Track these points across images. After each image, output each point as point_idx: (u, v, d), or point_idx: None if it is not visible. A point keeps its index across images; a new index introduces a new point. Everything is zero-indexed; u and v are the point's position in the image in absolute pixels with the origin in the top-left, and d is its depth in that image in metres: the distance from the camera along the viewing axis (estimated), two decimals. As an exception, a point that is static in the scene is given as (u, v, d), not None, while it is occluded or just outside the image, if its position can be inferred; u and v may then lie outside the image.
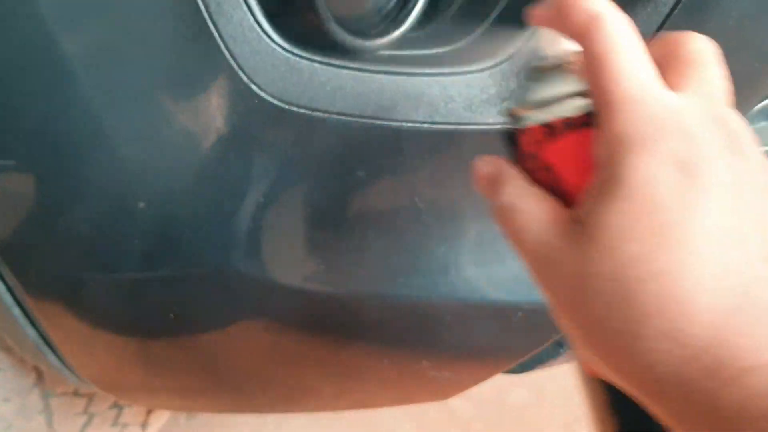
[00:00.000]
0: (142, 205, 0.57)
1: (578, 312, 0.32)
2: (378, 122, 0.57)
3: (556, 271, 0.33)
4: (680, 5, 0.60)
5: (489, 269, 0.67)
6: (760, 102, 0.75)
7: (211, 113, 0.55)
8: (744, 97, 0.71)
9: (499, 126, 0.59)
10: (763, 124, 0.90)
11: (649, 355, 0.29)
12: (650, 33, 0.60)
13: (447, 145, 0.60)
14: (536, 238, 0.34)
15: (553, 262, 0.33)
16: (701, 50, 0.36)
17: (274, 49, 0.54)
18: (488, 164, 0.43)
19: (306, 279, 0.63)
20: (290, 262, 0.63)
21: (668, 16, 0.61)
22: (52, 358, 0.74)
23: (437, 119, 0.59)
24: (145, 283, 0.62)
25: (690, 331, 0.28)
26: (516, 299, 0.68)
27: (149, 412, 1.20)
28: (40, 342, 0.73)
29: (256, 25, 0.53)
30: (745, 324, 0.28)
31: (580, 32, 0.35)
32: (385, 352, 0.71)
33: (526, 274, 0.68)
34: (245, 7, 0.52)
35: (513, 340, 0.73)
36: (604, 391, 0.44)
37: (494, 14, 0.60)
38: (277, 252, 0.62)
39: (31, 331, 0.71)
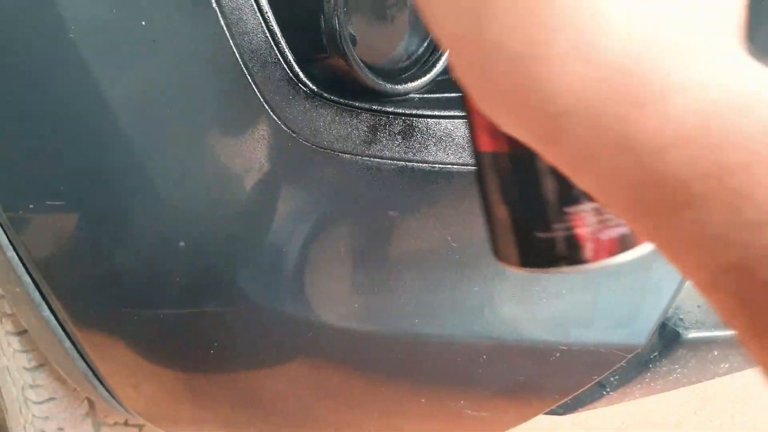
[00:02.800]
0: (182, 244, 0.59)
1: (474, 45, 0.27)
2: (408, 164, 0.58)
3: (449, 1, 0.28)
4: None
5: (525, 308, 0.66)
6: None
7: (248, 156, 0.57)
8: None
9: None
10: None
11: (554, 82, 0.25)
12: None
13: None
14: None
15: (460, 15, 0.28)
16: None
17: (306, 94, 0.55)
18: None
19: (342, 317, 0.64)
20: (326, 301, 0.64)
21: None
22: (101, 389, 0.77)
23: (467, 161, 0.59)
24: (186, 318, 0.64)
25: (603, 46, 0.24)
26: (552, 339, 0.67)
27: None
28: (90, 374, 0.75)
29: (289, 72, 0.55)
30: (663, 44, 0.24)
31: None
32: (422, 391, 0.71)
33: (563, 315, 0.67)
34: (279, 56, 0.54)
35: (550, 380, 0.72)
36: (496, 172, 0.38)
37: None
38: (313, 290, 0.63)
39: (80, 364, 0.74)
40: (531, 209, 0.37)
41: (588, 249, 0.36)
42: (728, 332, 0.75)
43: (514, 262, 0.39)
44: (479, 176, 0.40)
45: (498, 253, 0.41)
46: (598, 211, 0.35)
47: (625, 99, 0.24)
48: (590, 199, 0.34)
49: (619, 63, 0.24)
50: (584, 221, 0.36)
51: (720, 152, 0.22)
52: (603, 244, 0.36)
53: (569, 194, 0.35)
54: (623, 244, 0.35)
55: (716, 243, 0.23)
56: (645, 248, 0.36)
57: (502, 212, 0.39)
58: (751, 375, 1.52)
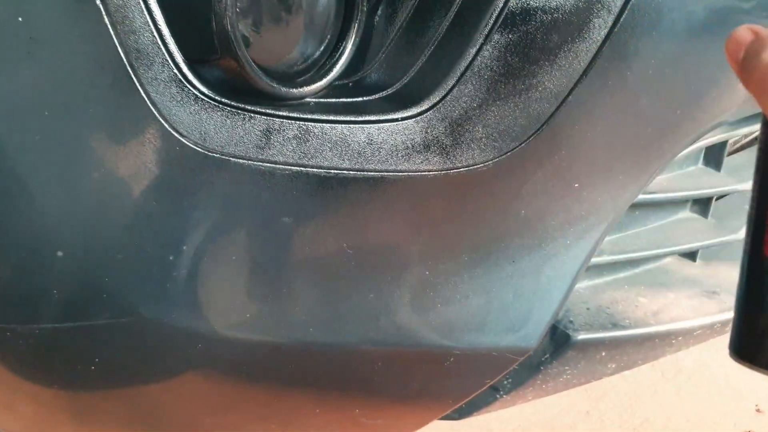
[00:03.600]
0: (60, 253, 0.56)
1: None
2: (303, 169, 0.57)
3: None
4: (601, 55, 0.62)
5: (419, 314, 0.67)
6: (686, 148, 0.77)
7: (134, 161, 0.54)
8: (668, 143, 0.73)
9: (424, 173, 0.60)
10: (690, 168, 0.93)
11: None
12: (574, 79, 0.62)
13: (374, 192, 0.60)
14: None
15: None
16: None
17: (196, 96, 0.53)
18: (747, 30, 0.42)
19: (233, 327, 0.62)
20: (217, 310, 0.62)
21: (590, 64, 0.62)
22: (-31, 412, 0.72)
23: (363, 166, 0.59)
24: (64, 333, 0.60)
25: None
26: (447, 344, 0.68)
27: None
28: (-42, 395, 0.70)
29: (177, 73, 0.53)
30: None
31: None
32: (317, 401, 0.70)
33: (457, 320, 0.68)
34: (167, 56, 0.52)
35: (445, 385, 0.72)
36: None
37: (419, 64, 0.61)
38: (203, 300, 0.61)
39: (-52, 384, 0.69)
40: None
41: None
42: (615, 333, 0.78)
43: (761, 363, 0.40)
44: (751, 277, 0.41)
45: (741, 351, 0.41)
46: None
47: None
48: None
49: None
50: None
51: None
52: None
53: None
54: None
55: None
56: None
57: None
58: (638, 372, 1.60)
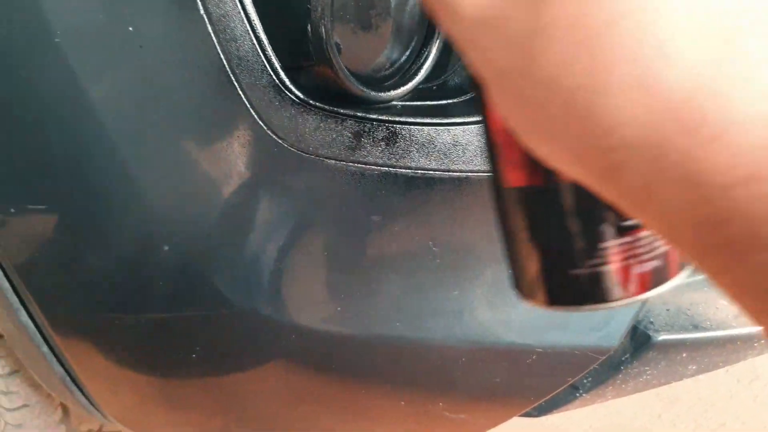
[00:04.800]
0: (166, 248, 0.60)
1: (526, 80, 0.27)
2: (392, 169, 0.60)
3: (499, 35, 0.28)
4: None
5: (502, 312, 0.68)
6: None
7: (233, 160, 0.58)
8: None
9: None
10: None
11: (614, 115, 0.24)
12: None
13: (459, 192, 0.62)
14: (479, 2, 0.28)
15: (496, 25, 0.28)
16: None
17: (292, 101, 0.56)
18: None
19: (324, 321, 0.65)
20: (308, 304, 0.65)
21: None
22: (78, 395, 0.77)
23: (449, 167, 0.61)
24: (169, 323, 0.64)
25: (668, 77, 0.23)
26: (529, 342, 0.69)
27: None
28: (67, 379, 0.75)
29: (275, 79, 0.56)
30: (730, 75, 0.23)
31: None
32: (401, 394, 0.72)
33: (540, 319, 0.69)
34: (265, 63, 0.55)
35: (527, 382, 0.73)
36: (526, 208, 0.36)
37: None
38: (296, 294, 0.64)
39: (58, 369, 0.74)
40: (563, 246, 0.36)
41: (620, 285, 0.35)
42: (696, 335, 0.78)
43: (540, 300, 0.38)
44: (503, 213, 0.38)
45: (522, 291, 0.39)
46: (632, 246, 0.33)
47: (692, 133, 0.23)
48: (625, 233, 0.33)
49: (685, 95, 0.23)
50: (618, 257, 0.34)
51: None
52: (636, 279, 0.35)
53: (604, 229, 0.33)
54: (655, 278, 0.34)
55: None
56: (675, 281, 0.35)
57: (529, 250, 0.37)
58: (713, 377, 1.56)
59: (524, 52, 0.26)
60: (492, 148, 0.36)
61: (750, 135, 0.22)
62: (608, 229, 0.33)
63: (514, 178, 0.36)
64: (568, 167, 0.28)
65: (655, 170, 0.24)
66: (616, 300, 0.34)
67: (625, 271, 0.34)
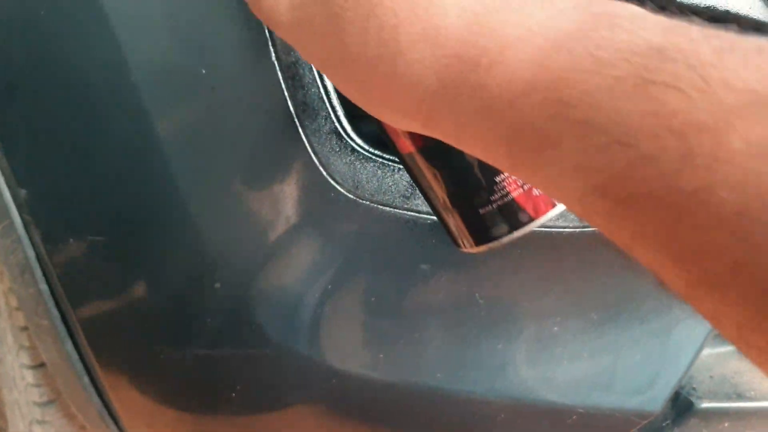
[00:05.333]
0: (218, 285, 0.60)
1: (340, 62, 0.31)
2: (445, 220, 0.60)
3: (311, 32, 0.32)
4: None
5: (545, 370, 0.67)
6: None
7: (290, 203, 0.59)
8: None
9: (560, 229, 0.62)
10: None
11: (412, 69, 0.28)
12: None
13: (509, 245, 0.62)
14: (288, 8, 0.33)
15: (306, 25, 0.32)
16: None
17: (353, 148, 0.58)
18: None
19: (365, 366, 0.65)
20: (351, 349, 0.65)
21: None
22: (113, 428, 0.77)
23: (501, 220, 0.61)
24: (212, 360, 0.65)
25: (444, 28, 0.27)
26: (571, 402, 0.68)
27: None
28: (104, 412, 0.75)
29: (338, 126, 0.57)
30: (498, 11, 0.27)
31: None
32: (437, 447, 0.72)
33: (583, 378, 0.68)
34: (329, 109, 0.57)
35: (567, 443, 0.72)
36: (423, 168, 0.42)
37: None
38: (339, 338, 0.64)
39: (96, 400, 0.74)
40: (466, 190, 0.40)
41: (529, 208, 0.39)
42: (740, 404, 0.76)
43: (471, 244, 0.42)
44: (414, 180, 0.43)
45: (457, 243, 0.44)
46: None
47: (476, 67, 0.27)
48: None
49: (464, 37, 0.27)
50: (516, 184, 0.39)
51: (560, 91, 0.24)
52: (539, 199, 0.39)
53: (489, 167, 0.37)
54: None
55: (578, 173, 0.24)
56: None
57: (442, 203, 0.42)
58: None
59: (332, 41, 0.31)
60: (380, 124, 0.42)
61: (520, 54, 0.25)
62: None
63: (402, 145, 0.42)
64: (405, 125, 0.32)
65: (459, 105, 0.28)
66: (530, 222, 0.40)
67: (528, 195, 0.39)
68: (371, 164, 0.59)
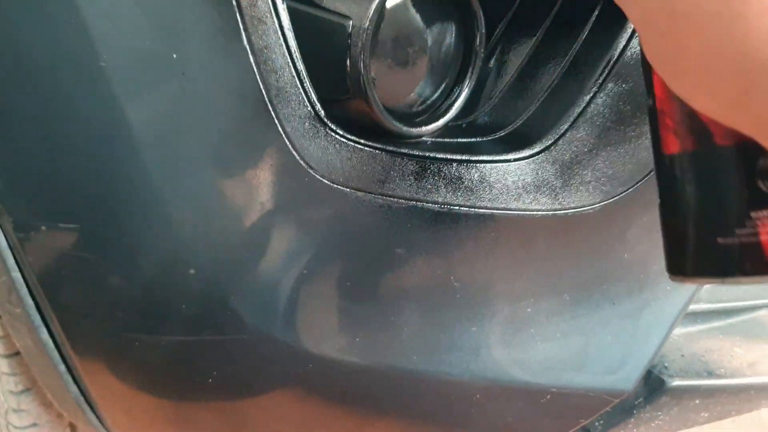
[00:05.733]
0: (192, 271, 0.60)
1: (668, 16, 0.29)
2: (419, 204, 0.61)
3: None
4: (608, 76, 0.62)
5: (518, 351, 0.68)
6: None
7: (264, 188, 0.59)
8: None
9: (533, 212, 0.62)
10: None
11: (750, 38, 0.26)
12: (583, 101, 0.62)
13: (484, 228, 0.63)
14: None
15: None
16: None
17: (326, 133, 0.58)
18: None
19: (341, 350, 0.66)
20: (327, 333, 0.65)
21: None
22: (90, 414, 0.77)
23: (475, 203, 0.62)
24: (188, 346, 0.65)
25: None
26: (544, 382, 0.69)
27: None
28: (81, 399, 0.75)
29: (311, 111, 0.57)
30: None
31: None
32: (414, 428, 0.72)
33: (556, 359, 0.69)
34: (303, 95, 0.57)
35: (540, 422, 0.73)
36: (679, 174, 0.37)
37: (532, 108, 0.63)
38: (315, 323, 0.64)
39: (73, 388, 0.74)
40: (714, 212, 0.36)
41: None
42: (710, 381, 0.78)
43: (689, 271, 0.38)
44: (661, 182, 0.39)
45: (672, 265, 0.40)
46: None
47: None
48: None
49: None
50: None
51: None
52: None
53: (757, 196, 0.33)
54: None
55: None
56: None
57: (681, 217, 0.38)
58: (716, 426, 1.55)
59: (674, 4, 0.28)
60: (654, 117, 0.38)
61: None
62: (760, 197, 0.33)
63: (670, 144, 0.37)
64: (707, 102, 0.29)
65: None
66: (762, 274, 0.35)
67: None
68: (345, 149, 0.59)
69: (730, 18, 0.26)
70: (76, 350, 0.68)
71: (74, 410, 0.77)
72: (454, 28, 0.62)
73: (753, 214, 0.34)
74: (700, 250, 0.37)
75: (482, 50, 0.63)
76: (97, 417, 0.77)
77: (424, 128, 0.62)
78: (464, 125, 0.67)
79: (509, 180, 0.62)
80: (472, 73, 0.64)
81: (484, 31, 0.62)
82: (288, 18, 0.56)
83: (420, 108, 0.64)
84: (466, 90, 0.64)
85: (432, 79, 0.64)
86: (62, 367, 0.72)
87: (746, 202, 0.34)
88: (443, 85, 0.64)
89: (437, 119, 0.63)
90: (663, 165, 0.39)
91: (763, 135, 0.28)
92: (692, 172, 0.37)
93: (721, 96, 0.28)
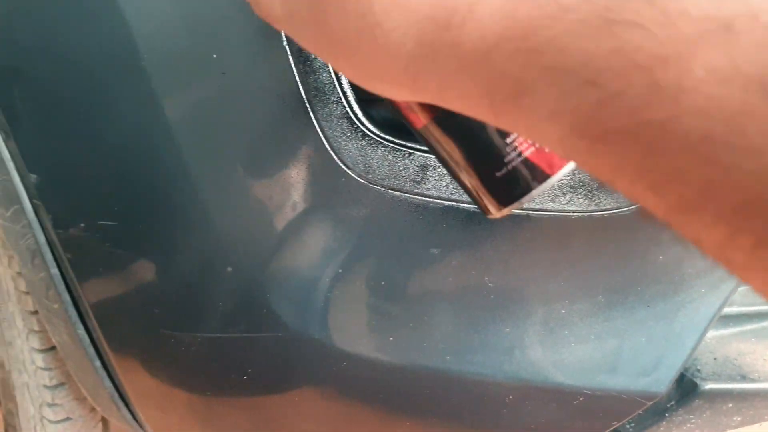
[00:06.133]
0: (230, 269, 0.61)
1: (330, 43, 0.33)
2: (454, 204, 0.61)
3: (301, 18, 0.34)
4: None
5: (552, 352, 0.68)
6: None
7: (301, 187, 0.59)
8: None
9: (569, 214, 0.62)
10: None
11: (390, 38, 0.29)
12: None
13: (519, 229, 0.63)
14: (280, 2, 0.36)
15: (297, 11, 0.34)
16: None
17: (364, 133, 0.58)
18: None
19: (375, 349, 0.66)
20: (361, 332, 0.65)
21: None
22: (124, 410, 0.78)
23: (511, 204, 0.62)
24: (223, 343, 0.65)
25: None
26: (577, 384, 0.69)
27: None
28: (115, 395, 0.76)
29: (348, 110, 0.57)
30: None
31: None
32: (448, 427, 0.73)
33: (590, 360, 0.69)
34: (340, 94, 0.57)
35: (572, 424, 0.73)
36: (437, 139, 0.43)
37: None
38: (350, 321, 0.65)
39: (108, 383, 0.75)
40: (481, 155, 0.41)
41: (543, 165, 0.40)
42: (743, 385, 0.77)
43: (496, 209, 0.43)
44: (434, 153, 0.44)
45: (483, 211, 0.44)
46: None
47: (446, 25, 0.27)
48: None
49: (430, 2, 0.28)
50: (527, 143, 0.39)
51: (528, 39, 0.24)
52: (552, 155, 0.40)
53: (498, 129, 0.37)
54: None
55: (554, 117, 0.24)
56: None
57: (463, 171, 0.43)
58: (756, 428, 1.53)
59: (319, 26, 0.33)
60: (393, 104, 0.43)
61: (488, 8, 0.26)
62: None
63: (414, 120, 0.42)
64: (398, 94, 0.33)
65: (440, 68, 0.28)
66: (547, 179, 0.40)
67: (539, 153, 0.40)
68: (382, 149, 0.59)
69: (371, 29, 0.30)
70: (111, 346, 0.69)
71: (108, 405, 0.78)
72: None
73: (507, 141, 0.39)
74: (490, 189, 0.42)
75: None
76: (131, 413, 0.78)
77: (460, 129, 0.62)
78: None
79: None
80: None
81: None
82: (327, 18, 0.57)
83: (455, 108, 0.64)
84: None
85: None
86: (98, 363, 0.73)
87: (496, 134, 0.40)
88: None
89: (473, 120, 0.63)
90: (423, 139, 0.43)
91: (444, 102, 0.30)
92: (443, 134, 0.41)
93: (392, 86, 0.32)
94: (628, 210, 0.63)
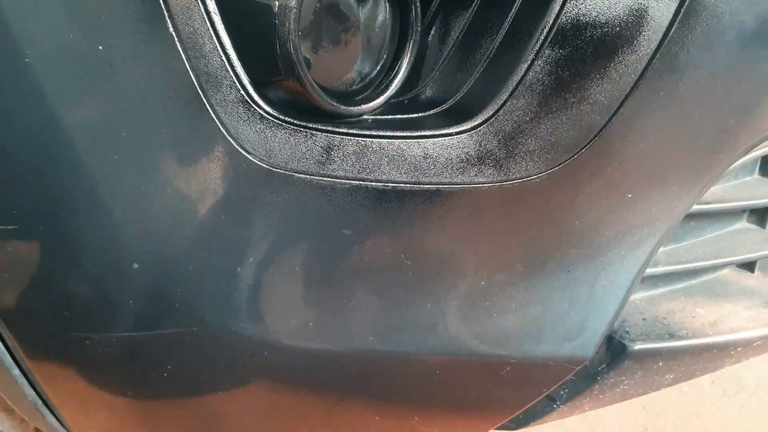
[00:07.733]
0: (136, 266, 0.59)
1: None
2: (362, 183, 0.60)
3: None
4: (651, 68, 0.63)
5: (475, 324, 0.68)
6: (740, 158, 0.77)
7: (202, 176, 0.58)
8: (721, 153, 0.73)
9: (479, 185, 0.62)
10: (747, 179, 0.92)
11: None
12: (625, 92, 0.63)
13: (431, 204, 0.62)
14: None
15: None
16: None
17: (261, 116, 0.57)
18: None
19: (296, 336, 0.65)
20: (280, 320, 0.64)
21: (642, 75, 0.63)
22: (50, 418, 0.76)
23: (420, 179, 0.61)
24: (139, 342, 0.64)
25: None
26: (502, 353, 0.69)
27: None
28: (39, 402, 0.74)
29: (244, 94, 0.56)
30: None
31: None
32: (376, 408, 0.72)
33: (513, 329, 0.69)
34: (234, 79, 0.55)
35: (502, 394, 0.73)
36: None
37: (472, 80, 0.63)
38: (267, 309, 0.64)
39: (29, 392, 0.73)
40: None
41: None
42: (672, 343, 0.78)
43: None
44: None
45: None
46: None
47: None
48: None
49: None
50: None
51: None
52: None
53: None
54: None
55: None
56: None
57: None
58: (699, 389, 1.57)
59: None
60: None
61: None
62: None
63: None
64: None
65: None
66: None
67: None
68: (282, 131, 0.58)
69: None
70: (27, 353, 0.67)
71: (34, 414, 0.76)
72: (387, 2, 0.61)
73: None
74: None
75: (419, 23, 0.62)
76: (57, 419, 0.76)
77: (363, 106, 0.61)
78: (406, 101, 0.66)
79: (452, 154, 0.61)
80: (410, 47, 0.63)
81: (419, 3, 0.61)
82: (214, 1, 0.55)
83: (360, 86, 0.63)
84: (406, 65, 0.63)
85: (369, 56, 0.63)
86: (16, 371, 0.71)
87: None
88: (382, 61, 0.63)
89: (377, 96, 0.62)
90: None
91: None
92: None
93: None
94: (538, 178, 0.63)
